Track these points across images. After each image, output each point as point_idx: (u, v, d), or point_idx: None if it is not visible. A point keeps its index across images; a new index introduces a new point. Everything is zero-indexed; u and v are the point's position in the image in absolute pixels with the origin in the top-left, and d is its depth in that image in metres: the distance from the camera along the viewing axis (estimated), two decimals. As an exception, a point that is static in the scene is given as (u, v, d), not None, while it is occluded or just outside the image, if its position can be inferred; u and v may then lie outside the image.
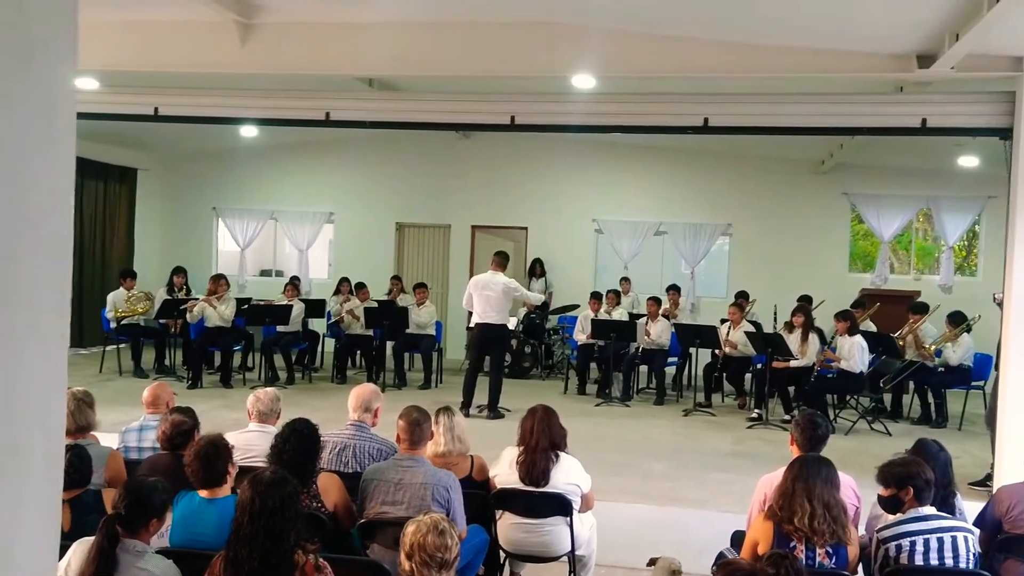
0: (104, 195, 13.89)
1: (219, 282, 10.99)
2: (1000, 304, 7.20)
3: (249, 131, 12.66)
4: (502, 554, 4.86)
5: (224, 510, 3.61)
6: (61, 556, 3.28)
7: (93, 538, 3.19)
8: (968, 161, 11.60)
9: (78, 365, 12.03)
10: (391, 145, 13.85)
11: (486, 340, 9.24)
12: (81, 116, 7.88)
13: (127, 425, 5.28)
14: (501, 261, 9.36)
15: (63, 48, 1.70)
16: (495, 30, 7.29)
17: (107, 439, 5.29)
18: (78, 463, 3.86)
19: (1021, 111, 6.61)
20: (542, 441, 4.70)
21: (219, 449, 3.84)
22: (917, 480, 3.87)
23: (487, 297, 9.11)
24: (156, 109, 8.47)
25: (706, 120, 7.68)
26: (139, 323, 11.42)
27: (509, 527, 4.77)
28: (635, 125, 8.41)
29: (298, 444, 4.10)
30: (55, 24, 1.68)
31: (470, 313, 9.67)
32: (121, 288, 11.46)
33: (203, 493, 3.80)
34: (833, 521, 3.78)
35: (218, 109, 8.54)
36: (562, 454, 4.77)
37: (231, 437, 4.87)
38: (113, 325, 11.28)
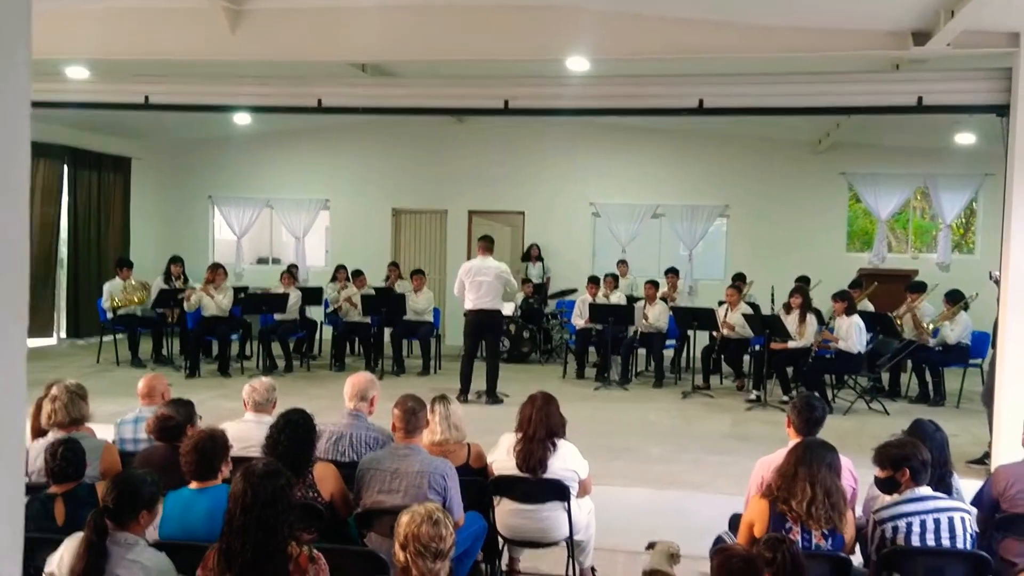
0: (99, 185, 13.83)
1: (216, 271, 10.95)
2: (997, 282, 7.18)
3: (243, 119, 12.60)
4: (500, 540, 4.86)
5: (214, 501, 3.59)
6: (54, 550, 3.27)
7: (81, 541, 3.18)
8: (965, 139, 11.56)
9: (75, 356, 12.03)
10: (386, 131, 13.80)
11: (481, 326, 9.21)
12: (72, 105, 7.82)
13: (122, 417, 5.25)
14: (488, 245, 9.31)
15: (14, 31, 1.59)
16: (488, 13, 7.23)
17: (104, 430, 5.28)
18: (71, 457, 3.84)
19: (1018, 87, 6.57)
20: (540, 430, 4.68)
21: (217, 444, 3.83)
22: (913, 461, 3.86)
23: (480, 283, 9.08)
24: (147, 97, 8.40)
25: (701, 101, 7.62)
26: (136, 313, 11.39)
27: (507, 513, 4.77)
28: (630, 107, 8.35)
29: (293, 434, 4.09)
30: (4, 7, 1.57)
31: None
32: (117, 278, 11.42)
33: (193, 485, 3.78)
34: (831, 508, 3.77)
35: (209, 97, 8.47)
36: (560, 441, 4.75)
37: (227, 427, 4.87)
38: (110, 315, 11.25)
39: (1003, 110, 6.86)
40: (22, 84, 1.64)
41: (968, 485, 4.89)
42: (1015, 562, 3.99)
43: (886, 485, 3.99)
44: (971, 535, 3.84)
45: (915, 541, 3.77)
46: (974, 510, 4.24)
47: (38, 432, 4.70)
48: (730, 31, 6.85)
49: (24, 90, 1.65)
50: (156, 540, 3.52)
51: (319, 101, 8.25)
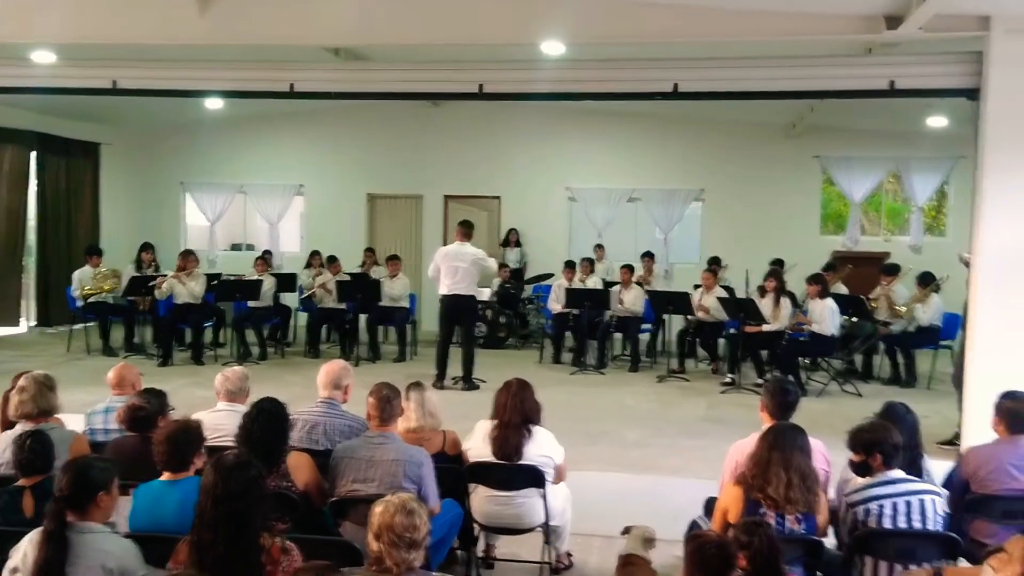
0: (67, 171, 13.62)
1: (188, 258, 10.84)
2: (967, 263, 7.25)
3: (215, 103, 12.44)
4: (476, 527, 4.86)
5: (186, 492, 3.55)
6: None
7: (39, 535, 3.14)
8: (937, 122, 11.63)
9: (45, 345, 11.88)
10: (361, 115, 13.68)
11: (455, 311, 9.18)
12: (39, 91, 7.70)
13: (92, 407, 5.19)
14: (467, 231, 9.27)
15: None
16: (462, -4, 7.17)
17: (75, 420, 5.22)
18: (39, 449, 3.78)
19: (988, 71, 6.61)
20: (515, 416, 4.68)
21: (190, 436, 3.79)
22: (884, 446, 3.89)
23: (456, 268, 9.04)
24: (115, 82, 8.24)
25: (676, 85, 7.60)
26: (107, 301, 11.25)
27: (483, 500, 4.77)
28: (605, 92, 8.31)
29: (266, 423, 4.06)
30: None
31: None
32: (87, 266, 11.28)
33: (165, 476, 3.74)
34: (807, 491, 3.80)
35: (178, 81, 8.34)
36: (536, 427, 4.75)
37: (200, 417, 4.83)
38: (80, 303, 11.11)
39: (974, 93, 6.90)
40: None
41: (939, 466, 4.94)
42: (985, 542, 4.02)
43: (860, 468, 4.02)
44: (941, 517, 3.88)
45: (887, 523, 3.81)
46: (945, 492, 4.29)
47: (6, 424, 4.64)
48: (704, 16, 6.83)
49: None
50: (127, 532, 3.48)
51: (291, 86, 8.15)
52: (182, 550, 3.13)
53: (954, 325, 9.59)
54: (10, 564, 3.18)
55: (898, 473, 3.92)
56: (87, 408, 5.31)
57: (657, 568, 4.63)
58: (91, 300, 11.08)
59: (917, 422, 4.49)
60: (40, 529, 3.15)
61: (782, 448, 3.87)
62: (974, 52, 6.84)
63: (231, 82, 8.42)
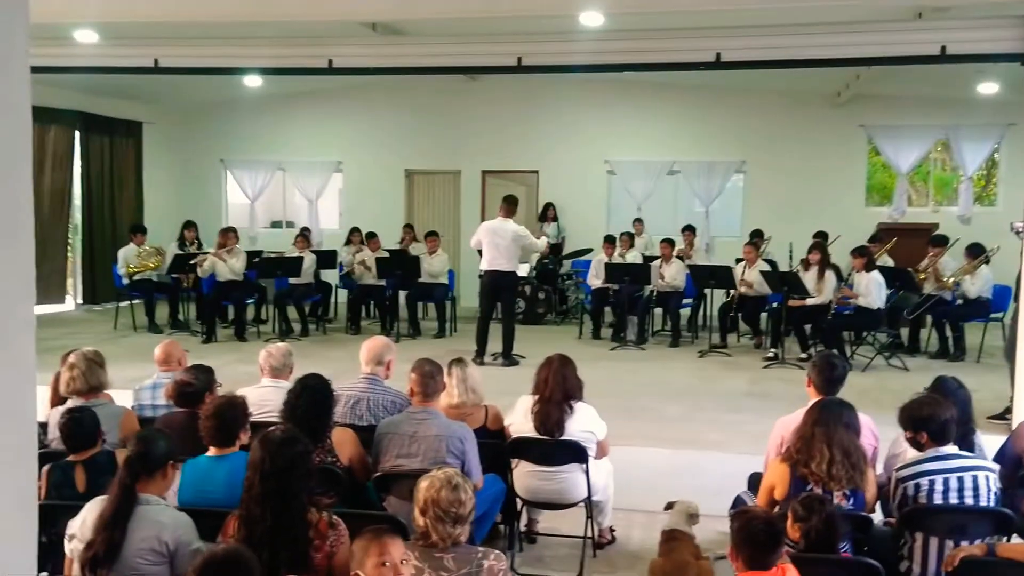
0: (111, 150, 13.80)
1: (227, 235, 10.94)
2: (1018, 233, 7.06)
3: (254, 81, 12.50)
4: (519, 502, 4.87)
5: (233, 467, 3.60)
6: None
7: (107, 495, 3.20)
8: (988, 88, 11.32)
9: (91, 322, 12.10)
10: (398, 91, 13.67)
11: (496, 287, 9.17)
12: (81, 70, 7.75)
13: (140, 383, 5.27)
14: (510, 207, 9.22)
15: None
16: (500, -32, 7.10)
17: (123, 396, 5.31)
18: (75, 428, 3.85)
19: (1043, 35, 6.41)
20: (556, 393, 4.66)
21: (237, 411, 3.83)
22: (930, 424, 3.81)
23: (496, 244, 9.01)
24: (156, 61, 8.32)
25: (718, 55, 7.47)
26: (151, 278, 11.42)
27: (525, 475, 4.77)
28: (645, 63, 8.19)
29: (311, 399, 4.08)
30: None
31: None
32: (132, 244, 11.44)
33: (212, 451, 3.79)
34: (852, 468, 3.75)
35: (218, 59, 8.39)
36: (577, 403, 4.73)
37: (245, 393, 4.88)
38: (125, 281, 11.28)
39: (1028, 58, 6.70)
40: (20, 53, 1.59)
41: (989, 441, 4.85)
42: (1039, 519, 3.95)
43: (914, 444, 3.96)
44: (995, 493, 3.80)
45: (937, 499, 3.74)
46: (997, 467, 4.20)
47: (58, 400, 4.73)
48: (747, -18, 6.70)
49: (22, 63, 1.60)
50: (175, 507, 3.54)
51: (330, 62, 8.16)
52: (231, 524, 3.17)
53: (1004, 297, 9.39)
54: (68, 532, 3.25)
55: (950, 448, 3.84)
56: (135, 384, 5.40)
57: (700, 543, 4.61)
58: (136, 278, 11.25)
59: (969, 397, 4.40)
60: (101, 500, 3.21)
61: (825, 424, 3.82)
62: (1028, 15, 6.63)
63: (271, 59, 8.46)
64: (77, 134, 13.18)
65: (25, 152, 1.59)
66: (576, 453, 4.66)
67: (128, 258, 11.29)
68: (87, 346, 4.98)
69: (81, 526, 3.21)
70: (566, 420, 4.64)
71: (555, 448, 4.67)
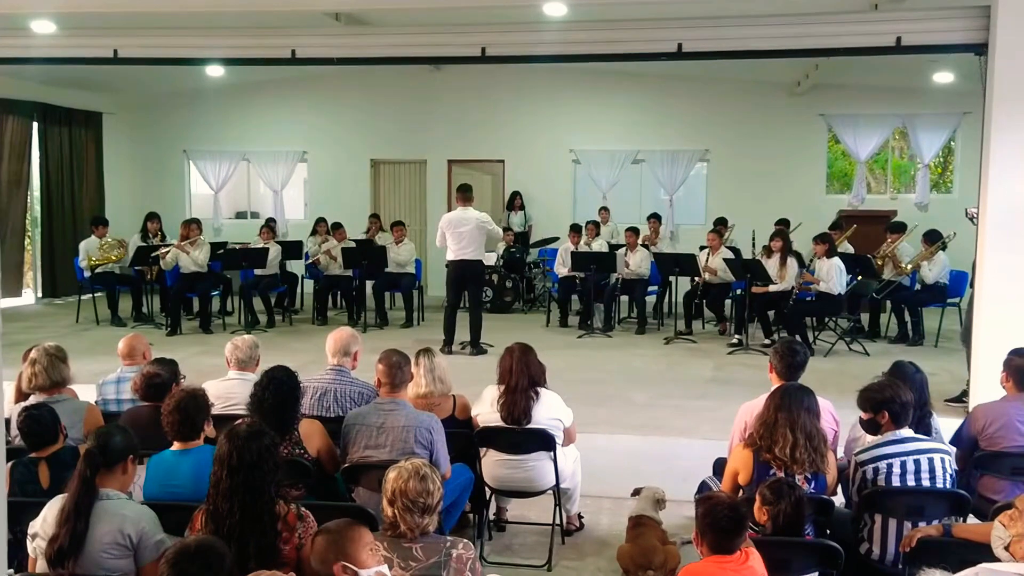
0: (70, 141, 13.60)
1: (190, 227, 10.83)
2: (972, 219, 7.23)
3: (216, 70, 12.36)
4: (487, 490, 4.91)
5: (198, 461, 3.60)
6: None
7: (66, 494, 3.18)
8: (943, 77, 11.52)
9: (53, 315, 11.94)
10: (363, 80, 13.60)
11: (462, 276, 9.17)
12: (39, 61, 7.64)
13: (104, 378, 5.23)
14: (467, 195, 9.22)
15: None
16: (462, -42, 7.09)
17: (88, 390, 5.27)
18: (34, 425, 3.82)
19: (995, 25, 6.52)
20: (521, 380, 4.70)
21: (198, 404, 3.82)
22: (892, 405, 3.91)
23: (461, 234, 9.01)
24: (115, 51, 8.17)
25: (680, 45, 7.51)
26: (114, 271, 11.28)
27: (493, 464, 4.81)
28: (608, 53, 8.21)
29: (277, 392, 4.08)
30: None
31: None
32: (93, 236, 11.28)
33: (176, 445, 3.78)
34: (814, 451, 3.84)
35: (179, 50, 8.28)
36: (543, 390, 4.78)
37: (211, 386, 4.87)
38: (87, 274, 11.13)
39: (981, 48, 6.82)
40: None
41: (947, 423, 4.98)
42: (994, 499, 4.07)
43: (870, 426, 4.06)
44: (950, 475, 3.91)
45: (895, 481, 3.84)
46: (953, 449, 4.32)
47: (21, 396, 4.68)
48: (709, -27, 6.75)
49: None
50: (140, 502, 3.53)
51: (293, 52, 8.08)
52: (198, 519, 3.17)
53: (961, 283, 9.58)
54: (30, 531, 3.23)
55: (907, 432, 3.94)
56: (98, 378, 5.36)
57: (667, 528, 4.69)
58: (98, 271, 11.10)
59: (926, 380, 4.50)
60: (62, 498, 3.20)
61: (788, 409, 3.89)
62: (982, 7, 6.75)
63: (233, 49, 8.36)
64: (35, 125, 12.96)
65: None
66: (544, 441, 4.71)
67: (90, 250, 11.13)
68: (49, 341, 4.93)
69: (43, 524, 3.20)
70: (533, 407, 4.69)
71: (523, 436, 4.71)
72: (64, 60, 8.66)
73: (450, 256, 9.14)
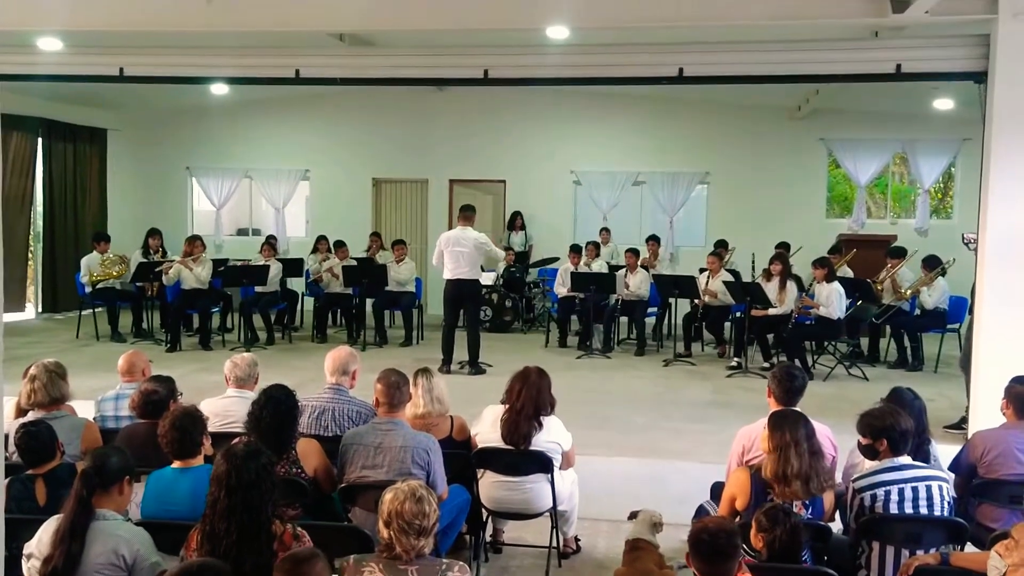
0: (74, 157, 13.65)
1: (194, 243, 10.86)
2: (968, 245, 7.25)
3: (220, 88, 12.41)
4: (484, 512, 4.90)
5: (197, 480, 3.60)
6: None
7: (62, 515, 3.18)
8: (943, 104, 11.58)
9: (53, 331, 11.94)
10: (366, 100, 13.66)
11: (459, 296, 9.18)
12: (46, 78, 7.70)
13: (103, 394, 5.24)
14: (469, 215, 9.26)
15: None
16: (467, -19, 7.15)
17: (86, 406, 5.27)
18: (31, 442, 3.83)
19: (995, 54, 6.57)
20: (528, 407, 4.68)
21: (195, 420, 3.83)
22: (891, 433, 3.91)
23: (459, 253, 9.04)
24: (121, 70, 8.24)
25: (681, 70, 7.56)
26: (115, 287, 11.29)
27: (491, 485, 4.80)
28: (610, 76, 8.27)
29: (275, 411, 4.09)
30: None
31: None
32: (95, 252, 11.31)
33: (175, 464, 3.78)
34: (816, 475, 3.82)
35: (185, 68, 8.33)
36: (545, 419, 4.75)
37: (209, 403, 4.88)
38: (88, 289, 11.14)
39: (981, 77, 6.86)
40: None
41: (945, 450, 4.97)
42: (992, 527, 4.06)
43: (868, 452, 4.05)
44: (948, 503, 3.91)
45: (893, 509, 3.83)
46: (951, 476, 4.32)
47: (20, 412, 4.69)
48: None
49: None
50: (139, 520, 3.53)
51: (297, 72, 8.14)
52: (193, 539, 3.17)
53: (960, 308, 9.58)
54: (26, 551, 3.23)
55: (905, 459, 3.94)
56: (97, 394, 5.36)
57: (664, 552, 4.67)
58: (99, 286, 11.12)
59: (924, 407, 4.51)
60: (57, 516, 3.20)
61: (794, 436, 3.86)
62: (981, 35, 6.80)
63: (237, 69, 8.42)
64: (40, 141, 13.02)
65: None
66: (542, 463, 4.70)
67: (91, 266, 11.15)
68: (49, 356, 4.94)
69: (38, 544, 3.20)
70: (534, 435, 4.68)
71: (521, 458, 4.71)
72: (70, 78, 8.73)
73: (447, 275, 9.17)
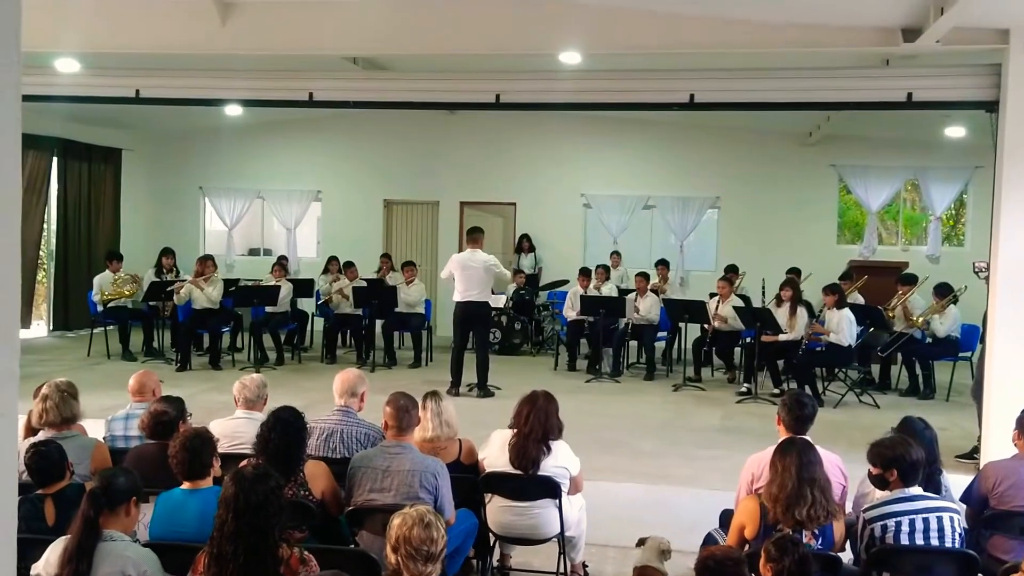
0: (88, 176, 13.76)
1: (206, 263, 10.92)
2: (978, 273, 7.22)
3: (234, 110, 12.54)
4: (492, 537, 4.88)
5: (206, 502, 3.60)
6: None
7: (69, 536, 3.19)
8: (955, 132, 11.58)
9: (65, 349, 12.00)
10: (378, 122, 13.75)
11: (468, 318, 9.20)
12: (63, 99, 7.81)
13: (113, 414, 5.25)
14: (477, 237, 9.29)
15: (5, 30, 1.54)
16: (481, 7, 7.21)
17: (96, 425, 5.29)
18: (41, 462, 3.84)
19: (1007, 84, 6.58)
20: (536, 431, 4.67)
21: (204, 441, 3.83)
22: (902, 463, 3.88)
23: (469, 276, 9.07)
24: (137, 91, 8.35)
25: (692, 96, 7.61)
26: (127, 306, 11.35)
27: (498, 510, 4.78)
28: (621, 102, 8.32)
29: (284, 433, 4.08)
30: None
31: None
32: (107, 271, 11.38)
33: (185, 485, 3.79)
34: (826, 502, 3.81)
35: (200, 91, 8.44)
36: (554, 443, 4.74)
37: (218, 424, 4.89)
38: (100, 308, 11.21)
39: (992, 106, 6.88)
40: (12, 82, 1.61)
41: (957, 480, 4.93)
42: (1003, 559, 4.02)
43: (879, 481, 4.02)
44: (959, 534, 3.87)
45: (904, 540, 3.80)
46: (963, 507, 4.28)
47: (31, 432, 4.70)
48: (721, 26, 6.84)
49: (14, 91, 1.62)
50: (147, 541, 3.53)
51: (310, 95, 8.23)
52: (200, 561, 3.17)
53: (972, 336, 9.53)
54: (33, 572, 3.23)
55: (916, 490, 3.91)
56: (107, 413, 5.38)
57: (672, 580, 4.65)
58: (111, 305, 11.18)
59: (935, 437, 4.48)
60: (64, 540, 3.20)
61: (806, 466, 3.84)
62: (993, 65, 6.82)
63: (252, 91, 8.52)
64: (55, 160, 13.14)
65: (13, 181, 1.60)
66: (550, 488, 4.68)
67: (103, 285, 11.22)
68: (60, 374, 4.96)
69: (45, 565, 3.20)
70: (542, 459, 4.67)
71: (529, 483, 4.69)
72: (88, 99, 8.84)
73: (456, 297, 9.19)
